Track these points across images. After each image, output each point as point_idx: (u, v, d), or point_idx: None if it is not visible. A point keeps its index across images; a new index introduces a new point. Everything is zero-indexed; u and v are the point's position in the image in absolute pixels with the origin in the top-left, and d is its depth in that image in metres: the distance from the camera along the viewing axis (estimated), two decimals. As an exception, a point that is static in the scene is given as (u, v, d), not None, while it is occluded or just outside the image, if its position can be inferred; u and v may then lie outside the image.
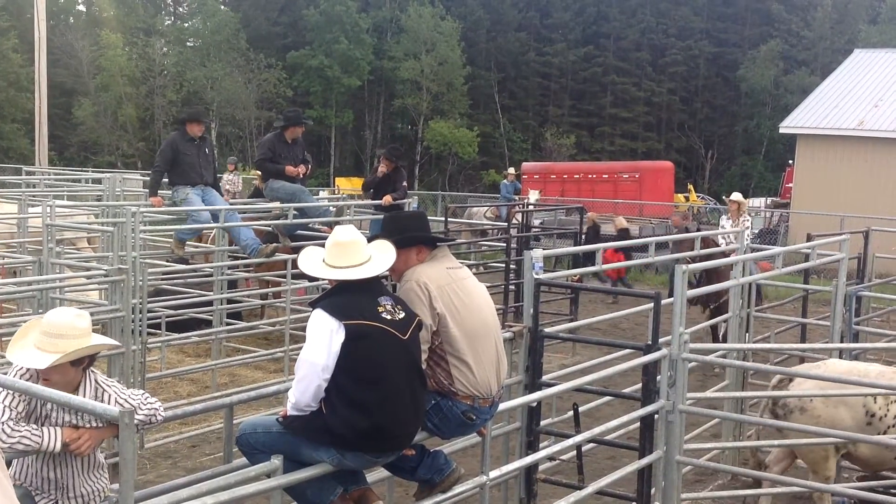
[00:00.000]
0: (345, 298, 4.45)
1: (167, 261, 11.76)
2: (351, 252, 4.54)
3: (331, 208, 12.72)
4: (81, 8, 65.84)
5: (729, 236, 12.86)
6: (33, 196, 15.25)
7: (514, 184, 28.92)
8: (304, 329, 10.72)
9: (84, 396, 4.12)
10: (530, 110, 67.76)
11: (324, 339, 4.27)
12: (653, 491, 6.43)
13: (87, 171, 25.32)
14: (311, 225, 12.04)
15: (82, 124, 55.73)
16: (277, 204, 11.54)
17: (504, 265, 14.09)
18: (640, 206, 29.89)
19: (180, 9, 70.95)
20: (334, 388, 4.24)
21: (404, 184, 13.46)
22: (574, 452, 6.48)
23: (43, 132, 25.71)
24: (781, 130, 32.81)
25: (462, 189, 52.00)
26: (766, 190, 53.97)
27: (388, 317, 4.42)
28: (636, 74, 67.76)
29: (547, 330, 7.05)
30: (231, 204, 12.77)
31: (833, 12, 63.09)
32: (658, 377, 6.36)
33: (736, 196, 13.78)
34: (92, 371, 4.26)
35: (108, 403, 4.12)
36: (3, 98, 52.30)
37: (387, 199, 12.59)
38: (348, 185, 37.75)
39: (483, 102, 65.89)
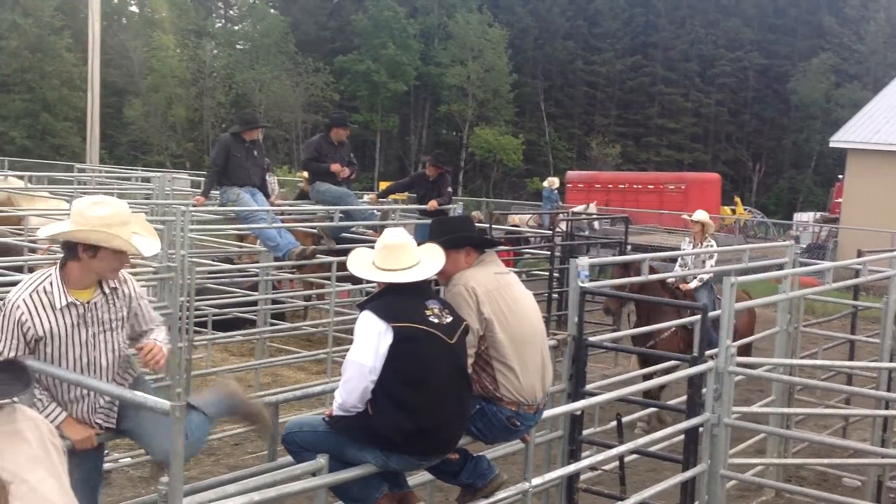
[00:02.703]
0: (393, 301, 4.46)
1: (213, 260, 11.88)
2: (400, 255, 4.55)
3: (376, 212, 12.76)
4: (134, 9, 66.89)
5: (687, 262, 11.52)
6: (84, 193, 15.50)
7: (555, 193, 28.77)
8: (347, 331, 10.81)
9: (117, 284, 4.39)
10: (576, 119, 67.56)
11: (371, 341, 4.28)
12: (696, 504, 6.36)
13: (137, 170, 25.62)
14: (355, 228, 12.10)
15: (133, 124, 56.57)
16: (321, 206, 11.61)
17: (547, 273, 14.05)
18: (685, 217, 29.64)
19: (231, 12, 71.82)
20: (381, 390, 4.25)
21: (449, 189, 13.46)
22: (616, 463, 6.43)
23: (94, 131, 26.07)
24: (832, 145, 32.38)
25: (506, 196, 51.94)
26: (814, 205, 53.29)
27: (436, 320, 4.42)
28: (684, 85, 67.30)
29: (591, 339, 7.01)
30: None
31: (886, 26, 62.18)
32: (703, 390, 6.30)
33: (700, 215, 11.70)
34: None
35: (129, 286, 4.45)
36: (57, 97, 53.23)
37: (432, 204, 12.58)
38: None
39: (529, 110, 65.85)
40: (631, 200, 32.81)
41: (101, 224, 4.12)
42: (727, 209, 38.08)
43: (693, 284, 10.78)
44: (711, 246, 11.37)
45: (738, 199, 44.45)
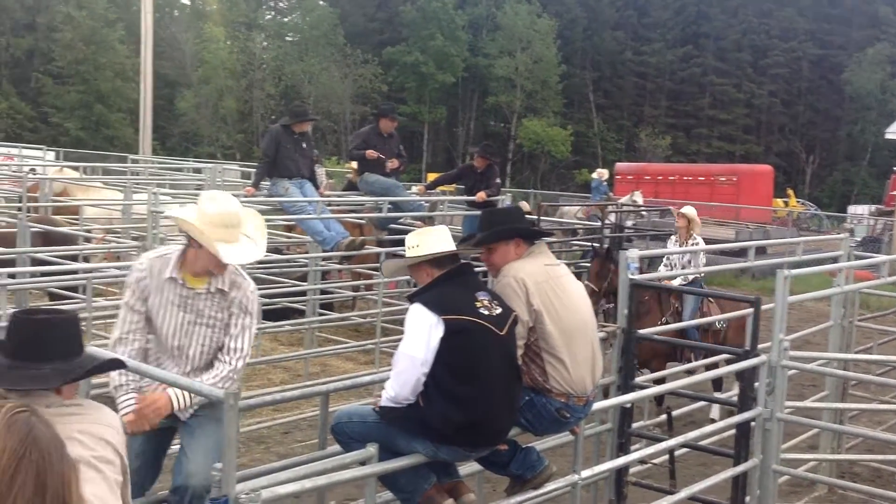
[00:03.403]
0: (444, 293, 4.46)
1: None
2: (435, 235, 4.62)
3: (424, 203, 12.78)
4: (186, 1, 67.72)
5: (673, 262, 10.67)
6: (137, 184, 15.74)
7: (604, 185, 28.58)
8: (395, 322, 10.85)
9: (227, 280, 4.41)
10: (625, 110, 67.03)
11: (423, 333, 4.29)
12: (747, 499, 6.30)
13: (189, 161, 25.97)
14: (403, 219, 12.13)
15: (184, 115, 57.28)
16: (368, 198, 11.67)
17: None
18: (736, 209, 29.27)
19: (281, 3, 72.32)
20: (432, 382, 4.25)
21: (497, 180, 13.43)
22: (666, 457, 6.38)
23: (147, 122, 26.49)
24: (887, 136, 31.75)
25: (554, 188, 51.73)
26: (869, 197, 52.32)
27: (486, 312, 4.42)
28: (736, 75, 66.42)
29: (641, 332, 6.96)
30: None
31: (945, 15, 60.79)
32: (755, 384, 6.22)
33: (687, 210, 10.72)
34: None
35: (239, 296, 4.43)
36: (110, 88, 54.08)
37: (480, 196, 12.56)
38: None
39: (577, 101, 65.48)
40: (681, 192, 32.43)
41: (208, 222, 4.26)
42: (780, 201, 37.53)
43: (676, 283, 9.89)
44: (698, 244, 10.51)
45: (790, 192, 43.79)
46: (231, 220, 4.34)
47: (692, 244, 10.42)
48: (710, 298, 9.70)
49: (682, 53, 66.91)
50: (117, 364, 3.00)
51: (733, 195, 31.42)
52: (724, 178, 33.45)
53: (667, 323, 9.19)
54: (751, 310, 6.29)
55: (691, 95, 67.42)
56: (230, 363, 4.38)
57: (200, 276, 4.40)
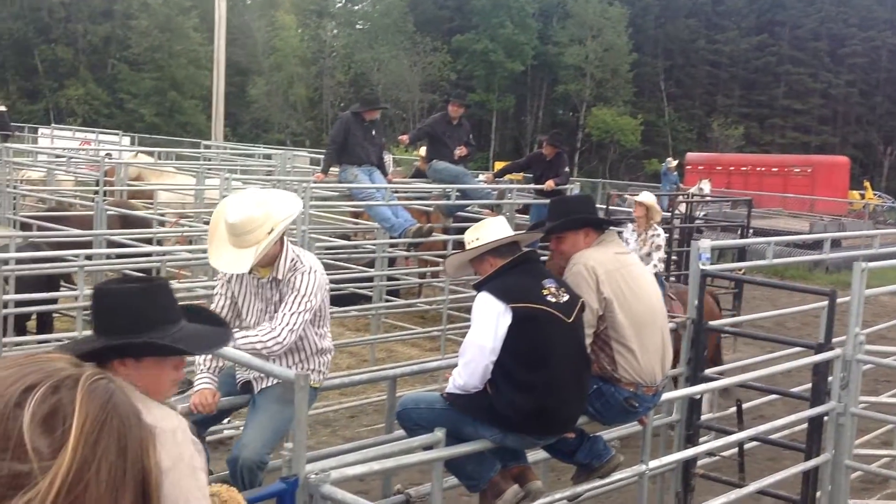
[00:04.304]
0: (510, 281, 4.45)
1: (330, 236, 12.10)
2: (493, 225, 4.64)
3: (492, 192, 12.75)
4: (258, -10, 68.45)
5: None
6: (209, 169, 15.99)
7: (674, 174, 28.18)
8: (460, 309, 10.85)
9: (282, 269, 4.55)
10: (697, 99, 65.99)
11: (491, 321, 4.29)
12: (818, 495, 6.18)
13: (259, 148, 26.30)
14: (471, 207, 12.13)
15: (255, 102, 58.00)
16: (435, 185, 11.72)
17: (666, 256, 13.79)
18: (811, 201, 28.64)
19: (351, -8, 72.74)
20: (500, 370, 4.25)
21: (566, 169, 13.33)
22: (735, 449, 6.29)
23: (219, 109, 26.83)
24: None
25: (623, 178, 51.21)
26: (949, 190, 50.73)
27: (553, 299, 4.40)
28: (812, 65, 64.88)
29: (711, 323, 6.87)
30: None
31: None
32: (829, 378, 6.09)
33: (645, 197, 9.56)
34: (290, 241, 4.70)
35: (291, 277, 4.55)
36: (184, 75, 55.02)
37: (549, 184, 12.48)
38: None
39: (648, 90, 64.67)
40: (753, 183, 31.84)
41: (229, 229, 4.40)
42: (856, 194, 36.60)
43: None
44: (658, 236, 9.46)
45: (867, 184, 42.65)
46: (249, 226, 4.38)
47: (652, 235, 9.39)
48: (671, 296, 8.58)
49: (757, 42, 65.56)
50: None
51: (808, 187, 30.75)
52: (798, 170, 32.75)
53: None
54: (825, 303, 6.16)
55: (766, 85, 66.03)
56: (257, 334, 4.50)
57: (267, 266, 4.58)
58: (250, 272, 4.54)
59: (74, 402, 1.06)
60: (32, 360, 1.13)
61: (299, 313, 4.48)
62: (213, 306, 4.68)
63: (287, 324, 4.45)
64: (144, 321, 2.53)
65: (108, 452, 1.06)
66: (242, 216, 4.36)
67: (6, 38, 55.09)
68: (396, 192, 11.97)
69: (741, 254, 13.74)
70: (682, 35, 65.18)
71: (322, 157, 12.93)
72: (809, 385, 6.39)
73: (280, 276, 4.57)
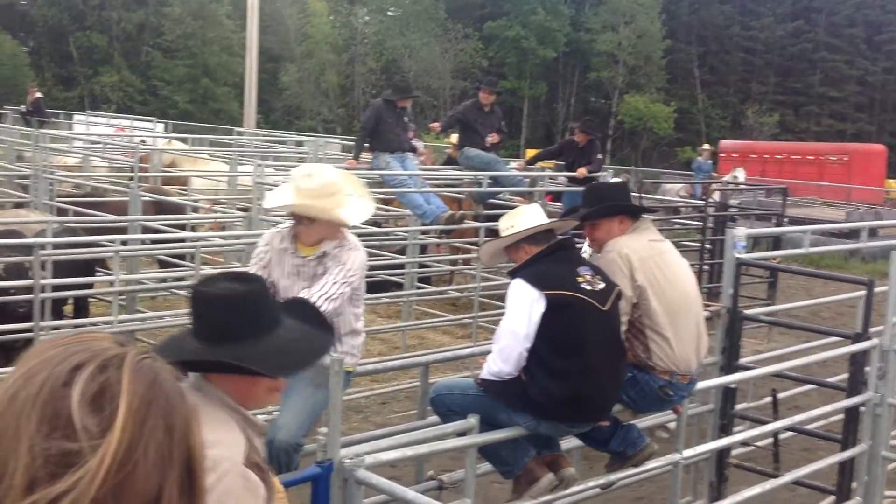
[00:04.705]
0: (545, 268, 4.44)
1: (362, 223, 12.09)
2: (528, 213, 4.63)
3: (524, 179, 12.72)
4: (290, -24, 68.49)
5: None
6: (242, 156, 16.09)
7: (707, 163, 27.95)
8: (492, 297, 10.83)
9: (330, 243, 4.62)
10: (731, 86, 65.29)
11: (525, 308, 4.28)
12: (854, 486, 6.12)
13: (291, 135, 26.40)
14: (503, 195, 12.11)
15: (287, 90, 58.14)
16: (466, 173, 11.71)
17: (699, 245, 13.68)
18: (847, 190, 28.27)
19: (383, -22, 72.58)
20: (534, 357, 4.25)
21: (599, 156, 13.29)
22: (770, 440, 6.24)
23: (252, 96, 27.00)
24: None
25: (655, 165, 50.83)
26: None
27: (588, 287, 4.38)
28: (848, 52, 63.93)
29: (746, 312, 6.81)
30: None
31: None
32: (866, 368, 6.02)
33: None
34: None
35: (338, 252, 4.61)
36: (217, 62, 55.26)
37: (581, 172, 12.44)
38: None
39: (681, 77, 64.07)
40: (788, 172, 31.47)
41: (312, 196, 4.47)
42: (893, 182, 36.10)
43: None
44: None
45: (904, 172, 42.09)
46: (336, 186, 4.54)
47: None
48: None
49: (793, 29, 64.69)
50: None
51: (844, 175, 30.34)
52: (834, 158, 32.31)
53: None
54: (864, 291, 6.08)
55: (801, 72, 65.17)
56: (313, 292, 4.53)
57: (310, 246, 4.63)
58: (288, 251, 4.63)
59: (122, 382, 1.07)
60: (77, 339, 1.13)
61: (341, 283, 4.52)
62: None
63: (326, 292, 4.46)
64: (234, 331, 2.35)
65: (155, 431, 1.06)
66: (331, 176, 4.64)
67: (42, 25, 55.61)
68: (428, 179, 11.98)
69: (776, 242, 13.59)
70: (716, 21, 64.48)
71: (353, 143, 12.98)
72: (845, 375, 6.32)
73: (330, 250, 4.63)
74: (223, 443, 2.16)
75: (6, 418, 1.04)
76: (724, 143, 38.80)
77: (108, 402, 1.05)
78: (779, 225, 14.61)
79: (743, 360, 6.57)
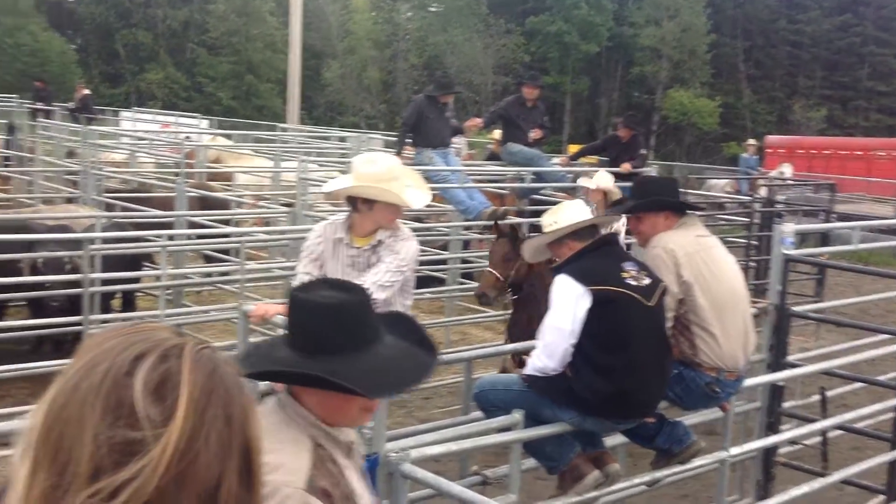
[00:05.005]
0: (589, 264, 4.42)
1: (404, 219, 12.13)
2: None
3: (567, 174, 12.66)
4: (333, -27, 68.77)
5: None
6: (286, 152, 16.19)
7: (753, 158, 27.59)
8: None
9: (385, 233, 4.66)
10: (777, 81, 64.42)
11: (569, 304, 4.26)
12: (904, 486, 6.02)
13: (334, 130, 26.54)
14: (545, 190, 12.06)
15: (330, 86, 58.39)
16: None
17: (745, 241, 13.55)
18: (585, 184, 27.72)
19: (425, -26, 72.59)
20: (579, 353, 4.23)
21: (642, 151, 13.21)
22: (818, 438, 6.16)
23: (295, 92, 27.17)
24: None
25: (700, 161, 50.33)
26: None
27: (633, 282, 4.35)
28: (898, 45, 62.80)
29: (794, 309, 6.72)
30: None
31: None
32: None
33: (602, 180, 8.25)
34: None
35: (392, 241, 4.66)
36: (260, 59, 55.68)
37: (625, 167, 12.35)
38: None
39: (726, 71, 63.35)
40: (836, 167, 30.99)
41: (374, 180, 4.49)
42: (943, 178, 35.43)
43: None
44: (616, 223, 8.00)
45: (955, 168, 41.26)
46: (397, 172, 4.60)
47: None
48: None
49: (840, 22, 63.64)
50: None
51: (893, 170, 29.79)
52: (883, 153, 31.74)
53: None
54: None
55: (849, 66, 64.10)
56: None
57: (365, 236, 4.66)
58: (342, 242, 4.68)
59: (182, 371, 1.08)
60: (136, 329, 1.15)
61: (394, 272, 4.55)
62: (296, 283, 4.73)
63: (379, 279, 4.47)
64: (329, 343, 2.15)
65: (216, 421, 1.08)
66: (392, 162, 4.72)
67: (89, 23, 56.41)
68: (471, 174, 11.98)
69: (823, 239, 13.42)
70: (761, 15, 63.64)
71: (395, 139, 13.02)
72: (895, 374, 6.22)
73: (385, 239, 4.66)
74: (284, 467, 2.04)
75: (70, 408, 1.05)
76: (771, 138, 38.29)
77: (170, 391, 1.06)
78: (826, 221, 14.42)
79: (790, 358, 6.49)
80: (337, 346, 2.14)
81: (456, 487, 3.51)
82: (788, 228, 6.53)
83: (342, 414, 2.20)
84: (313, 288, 2.26)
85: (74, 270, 7.70)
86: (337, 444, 2.20)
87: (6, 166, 15.54)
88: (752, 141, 28.47)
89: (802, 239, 16.21)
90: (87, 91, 24.93)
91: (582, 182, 9.54)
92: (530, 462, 4.68)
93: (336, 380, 2.05)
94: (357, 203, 4.61)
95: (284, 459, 2.06)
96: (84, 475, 1.02)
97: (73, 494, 1.02)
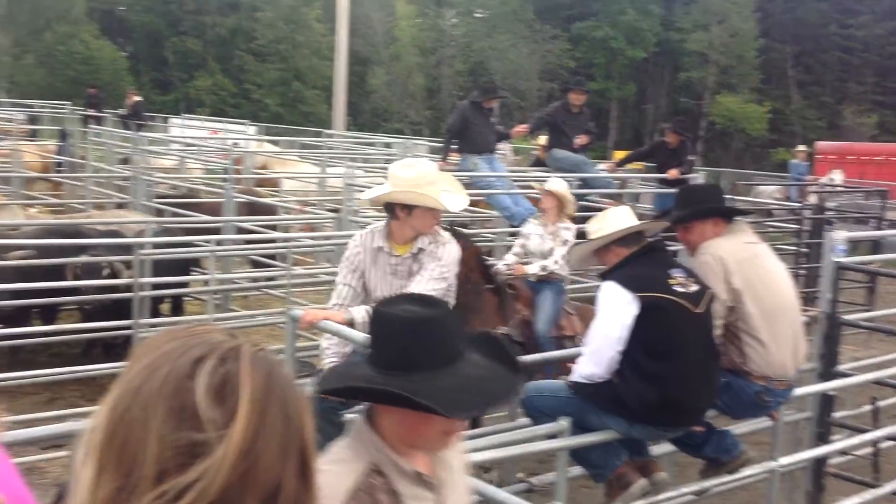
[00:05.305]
0: (637, 270, 4.40)
1: (449, 224, 12.14)
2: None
3: (613, 181, 12.59)
4: (379, -20, 69.12)
5: (530, 248, 7.39)
6: (332, 158, 16.30)
7: (803, 164, 27.19)
8: (580, 299, 10.74)
9: (425, 240, 4.64)
10: (827, 86, 63.49)
11: (617, 311, 4.24)
12: (960, 499, 5.89)
13: (379, 137, 26.66)
14: (592, 197, 12.01)
15: (375, 92, 58.69)
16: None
17: (794, 248, 13.36)
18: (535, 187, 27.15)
19: (471, -20, 72.67)
20: (627, 360, 4.20)
21: (690, 158, 13.08)
22: (869, 449, 6.05)
23: (341, 99, 27.38)
24: None
25: (748, 167, 49.77)
26: None
27: (681, 289, 4.32)
28: (952, 50, 61.61)
29: (845, 318, 6.61)
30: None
31: None
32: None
33: (554, 185, 7.48)
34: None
35: (433, 248, 4.64)
36: (307, 66, 56.14)
37: (672, 173, 12.25)
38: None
39: (775, 77, 62.57)
40: (888, 173, 30.43)
41: (412, 185, 4.49)
42: None
43: (532, 270, 7.06)
44: (568, 230, 7.32)
45: None
46: (434, 177, 4.59)
47: (562, 228, 7.32)
48: (569, 311, 7.04)
49: (892, 27, 62.59)
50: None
51: (946, 177, 29.22)
52: (936, 159, 31.19)
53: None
54: None
55: (901, 71, 63.14)
56: None
57: (405, 243, 4.64)
58: (382, 250, 4.67)
59: (241, 373, 1.10)
60: (192, 332, 1.17)
61: (437, 279, 4.55)
62: (334, 297, 4.76)
63: (423, 289, 4.41)
64: (409, 359, 2.04)
65: (275, 421, 1.09)
66: (429, 167, 4.73)
67: (139, 30, 57.33)
68: (516, 180, 11.96)
69: (875, 246, 13.19)
70: (811, 20, 62.81)
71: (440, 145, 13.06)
72: (950, 384, 6.10)
73: (425, 247, 4.65)
74: (331, 475, 1.94)
75: (133, 411, 1.08)
76: (821, 144, 37.75)
77: (230, 393, 1.08)
78: (878, 228, 14.18)
79: (841, 367, 6.39)
80: (419, 364, 2.03)
81: (502, 494, 3.51)
82: (840, 236, 6.44)
83: (419, 435, 2.07)
84: (396, 302, 2.17)
85: (120, 275, 7.81)
86: (402, 474, 2.07)
87: (59, 172, 15.83)
88: (802, 147, 28.07)
89: (854, 246, 15.97)
90: (138, 98, 25.29)
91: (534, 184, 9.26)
92: (576, 469, 4.65)
93: (414, 397, 1.93)
94: (395, 210, 4.59)
95: (324, 480, 1.96)
96: (149, 477, 1.04)
97: (139, 496, 1.04)
